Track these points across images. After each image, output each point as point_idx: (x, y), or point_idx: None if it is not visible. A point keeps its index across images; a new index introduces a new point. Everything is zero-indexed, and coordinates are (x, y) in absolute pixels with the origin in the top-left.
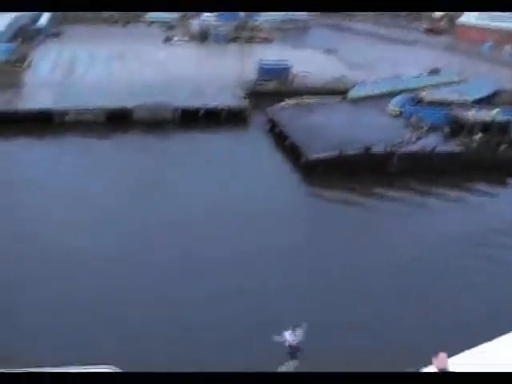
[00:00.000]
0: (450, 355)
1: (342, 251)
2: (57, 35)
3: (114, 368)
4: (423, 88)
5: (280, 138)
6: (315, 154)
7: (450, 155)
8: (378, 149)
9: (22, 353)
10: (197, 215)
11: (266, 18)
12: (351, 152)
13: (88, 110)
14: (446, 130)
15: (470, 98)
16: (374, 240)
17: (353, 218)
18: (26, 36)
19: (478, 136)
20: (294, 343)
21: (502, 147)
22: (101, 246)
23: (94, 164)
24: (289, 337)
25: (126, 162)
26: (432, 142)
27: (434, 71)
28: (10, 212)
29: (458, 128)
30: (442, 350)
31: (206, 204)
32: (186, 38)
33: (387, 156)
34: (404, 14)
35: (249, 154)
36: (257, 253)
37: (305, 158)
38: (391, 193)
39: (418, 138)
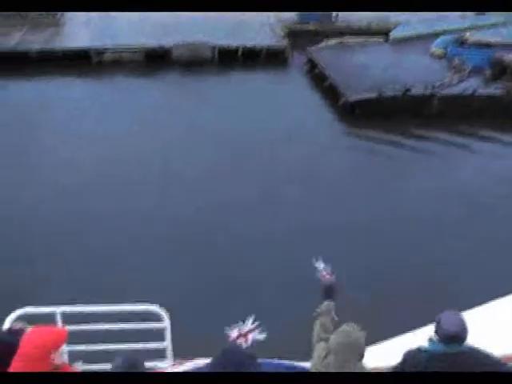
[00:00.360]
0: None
1: (377, 192)
2: None
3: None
4: (467, 29)
5: (319, 78)
6: (354, 95)
7: (491, 98)
8: (417, 90)
9: None
10: (234, 152)
11: None
12: (390, 93)
13: (126, 48)
14: (488, 72)
15: None
16: (410, 181)
17: (389, 158)
18: None
19: None
20: (329, 278)
21: None
22: (144, 184)
23: (132, 103)
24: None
25: (164, 100)
26: (473, 84)
27: (479, 12)
28: (52, 151)
29: (500, 71)
30: None
31: (243, 141)
32: None
33: (427, 98)
34: None
35: (287, 95)
36: (290, 190)
37: (343, 99)
38: (430, 133)
39: (460, 81)
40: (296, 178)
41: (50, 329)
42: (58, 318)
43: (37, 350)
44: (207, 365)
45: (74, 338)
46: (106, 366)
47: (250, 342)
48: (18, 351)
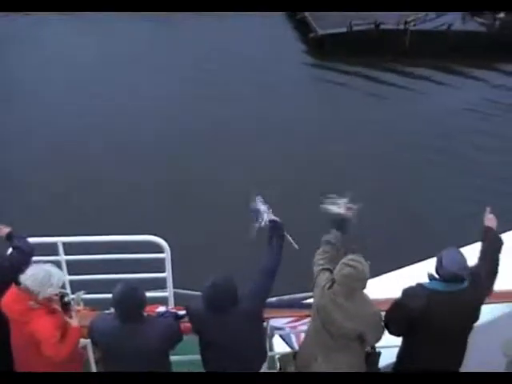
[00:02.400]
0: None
1: (346, 127)
2: None
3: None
4: None
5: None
6: (323, 29)
7: (468, 34)
8: (389, 25)
9: None
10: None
11: None
12: (361, 28)
13: None
14: None
15: None
16: (379, 115)
17: (358, 91)
18: None
19: (502, 15)
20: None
21: None
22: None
23: None
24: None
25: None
26: (450, 19)
27: None
28: None
29: None
30: None
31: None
32: None
33: (399, 33)
34: None
35: (260, 26)
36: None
37: (313, 33)
38: (400, 67)
39: (438, 16)
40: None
41: None
42: (60, 248)
43: None
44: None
45: (75, 268)
46: (107, 295)
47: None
48: None
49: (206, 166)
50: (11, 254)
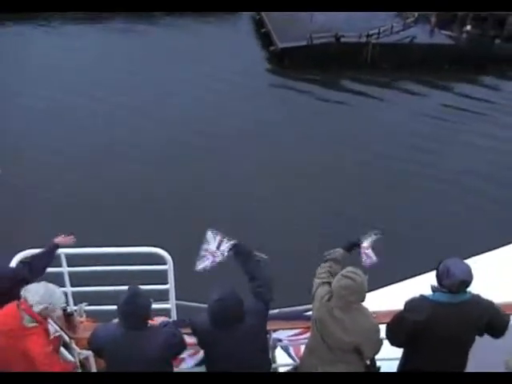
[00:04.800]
0: None
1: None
2: None
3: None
4: None
5: (260, 24)
6: (283, 42)
7: (433, 47)
8: (351, 38)
9: None
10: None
11: None
12: (321, 40)
13: None
14: (434, 20)
15: None
16: (335, 131)
17: (314, 107)
18: None
19: (469, 28)
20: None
21: (497, 41)
22: None
23: None
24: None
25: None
26: (416, 32)
27: None
28: None
29: (450, 18)
30: None
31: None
32: None
33: (361, 46)
34: None
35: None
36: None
37: (273, 47)
38: (357, 84)
39: (404, 28)
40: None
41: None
42: (63, 260)
43: None
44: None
45: (77, 280)
46: (110, 307)
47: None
48: None
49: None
50: (33, 265)
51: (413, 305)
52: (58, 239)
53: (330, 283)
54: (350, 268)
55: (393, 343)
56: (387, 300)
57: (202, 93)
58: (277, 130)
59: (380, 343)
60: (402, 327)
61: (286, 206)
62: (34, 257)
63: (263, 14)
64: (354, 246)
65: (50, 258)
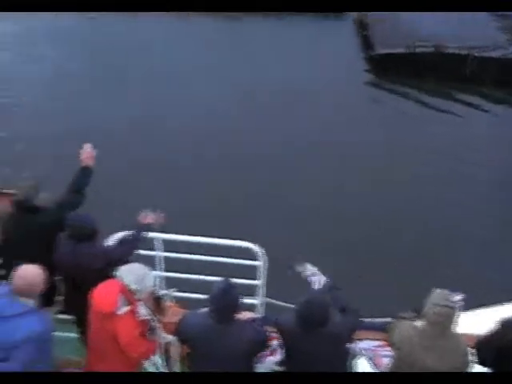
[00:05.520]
0: None
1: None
2: None
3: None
4: None
5: (362, 25)
6: (385, 48)
7: None
8: (452, 49)
9: None
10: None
11: None
12: (421, 49)
13: None
14: None
15: None
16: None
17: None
18: None
19: None
20: None
21: None
22: None
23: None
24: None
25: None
26: None
27: None
28: None
29: None
30: None
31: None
32: None
33: (461, 58)
34: None
35: (329, 40)
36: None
37: (373, 51)
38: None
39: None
40: None
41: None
42: (159, 244)
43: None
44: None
45: (170, 266)
46: (198, 295)
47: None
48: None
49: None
50: (111, 249)
51: (509, 323)
52: (149, 219)
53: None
54: (443, 294)
55: (481, 362)
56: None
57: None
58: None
59: (470, 365)
60: (494, 344)
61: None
62: (126, 238)
63: (366, 15)
64: None
65: (140, 238)
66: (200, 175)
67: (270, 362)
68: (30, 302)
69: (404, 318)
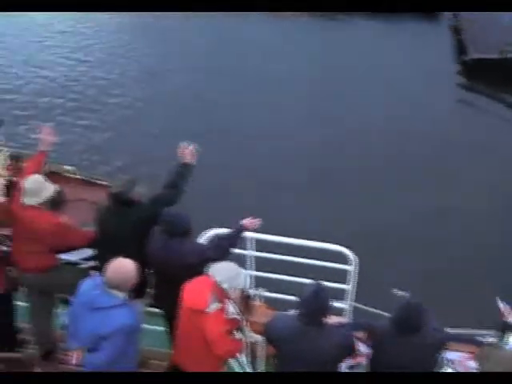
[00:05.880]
0: None
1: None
2: None
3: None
4: None
5: (458, 28)
6: (477, 53)
7: None
8: None
9: None
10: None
11: None
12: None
13: None
14: None
15: None
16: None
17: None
18: None
19: None
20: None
21: None
22: None
23: None
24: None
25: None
26: None
27: None
28: None
29: None
30: None
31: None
32: None
33: None
34: None
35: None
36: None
37: (466, 56)
38: None
39: None
40: None
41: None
42: (251, 243)
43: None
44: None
45: (261, 265)
46: (286, 297)
47: None
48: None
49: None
50: (203, 247)
51: None
52: (246, 222)
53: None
54: None
55: None
56: None
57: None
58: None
59: None
60: None
61: None
62: (222, 236)
63: (461, 18)
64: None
65: (237, 239)
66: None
67: (351, 364)
68: (122, 295)
69: (492, 345)
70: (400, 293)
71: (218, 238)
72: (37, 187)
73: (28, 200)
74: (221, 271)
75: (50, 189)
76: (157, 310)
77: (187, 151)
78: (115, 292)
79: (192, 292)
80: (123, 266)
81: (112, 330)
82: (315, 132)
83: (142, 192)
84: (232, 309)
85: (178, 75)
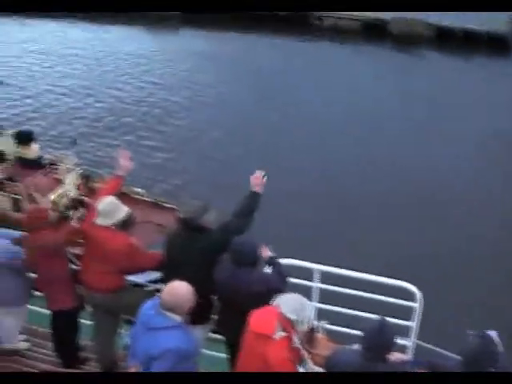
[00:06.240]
0: None
1: None
2: None
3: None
4: None
5: None
6: None
7: None
8: None
9: None
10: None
11: None
12: None
13: (345, 17)
14: None
15: None
16: None
17: None
18: None
19: None
20: None
21: None
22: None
23: (346, 70)
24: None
25: (379, 73)
26: None
27: None
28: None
29: None
30: None
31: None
32: None
33: None
34: None
35: (505, 87)
36: None
37: None
38: None
39: None
40: None
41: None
42: (316, 275)
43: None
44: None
45: (324, 297)
46: (349, 330)
47: None
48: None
49: None
50: (270, 277)
51: None
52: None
53: None
54: None
55: None
56: None
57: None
58: None
59: None
60: None
61: None
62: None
63: None
64: None
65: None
66: None
67: None
68: (177, 318)
69: None
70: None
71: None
72: (111, 208)
73: (101, 221)
74: (288, 302)
75: (123, 211)
76: (220, 337)
77: (258, 180)
78: (169, 314)
79: (259, 319)
80: (179, 289)
81: (161, 352)
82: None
83: (211, 219)
84: (296, 340)
85: (248, 103)
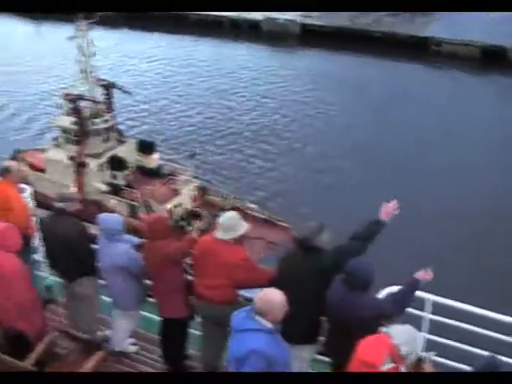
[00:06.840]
0: None
1: None
2: None
3: None
4: None
5: None
6: None
7: None
8: None
9: None
10: None
11: None
12: None
13: (463, 43)
14: None
15: None
16: None
17: None
18: None
19: None
20: None
21: None
22: None
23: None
24: None
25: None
26: None
27: None
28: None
29: None
30: None
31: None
32: None
33: None
34: None
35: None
36: None
37: None
38: None
39: None
40: None
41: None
42: (428, 305)
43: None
44: None
45: (434, 328)
46: (458, 365)
47: None
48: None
49: None
50: (382, 303)
51: None
52: (420, 274)
53: None
54: None
55: None
56: None
57: None
58: None
59: None
60: None
61: None
62: (398, 291)
63: None
64: None
65: (412, 294)
66: None
67: None
68: (267, 323)
69: None
70: None
71: (395, 294)
72: (233, 223)
73: (222, 234)
74: (400, 334)
75: (244, 226)
76: (326, 359)
77: (390, 210)
78: (260, 318)
79: (367, 347)
80: (272, 296)
81: (245, 352)
82: None
83: (326, 239)
84: (402, 369)
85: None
